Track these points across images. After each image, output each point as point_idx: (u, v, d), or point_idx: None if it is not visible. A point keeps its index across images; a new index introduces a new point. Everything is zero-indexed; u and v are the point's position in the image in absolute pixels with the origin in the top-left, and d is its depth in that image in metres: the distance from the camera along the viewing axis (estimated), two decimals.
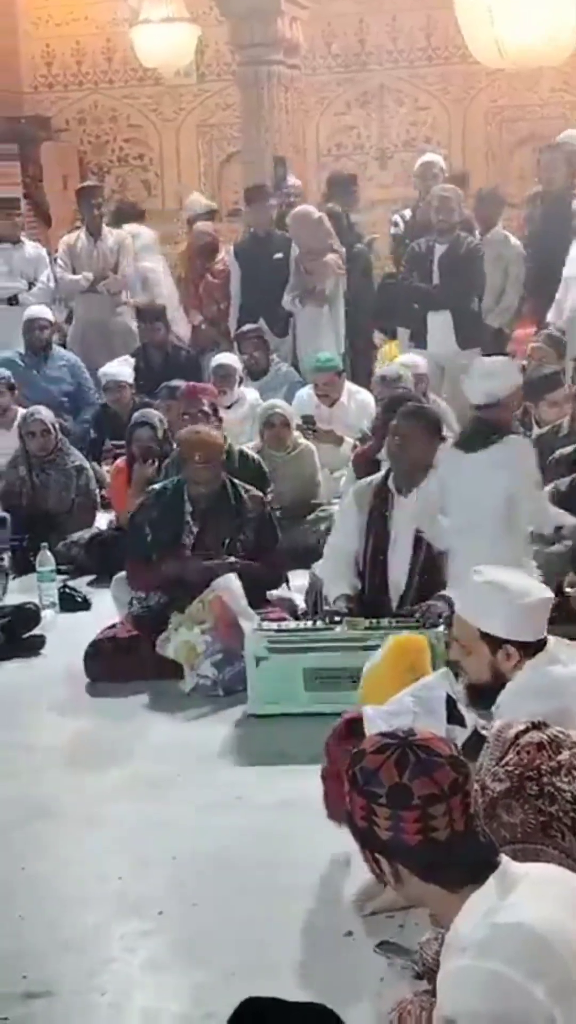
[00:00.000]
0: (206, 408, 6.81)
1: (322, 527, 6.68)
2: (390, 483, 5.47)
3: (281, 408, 7.49)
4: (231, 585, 5.45)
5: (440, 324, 8.62)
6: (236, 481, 5.86)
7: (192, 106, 14.17)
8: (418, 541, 5.37)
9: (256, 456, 6.71)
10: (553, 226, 8.91)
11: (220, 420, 6.92)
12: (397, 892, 2.32)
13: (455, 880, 2.23)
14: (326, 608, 5.45)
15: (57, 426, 7.61)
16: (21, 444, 7.56)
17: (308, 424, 7.81)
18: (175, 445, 6.44)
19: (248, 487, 5.87)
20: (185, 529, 5.73)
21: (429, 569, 5.33)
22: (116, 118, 14.42)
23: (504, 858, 2.26)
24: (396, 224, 9.54)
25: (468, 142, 13.38)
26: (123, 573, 5.97)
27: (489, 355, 8.58)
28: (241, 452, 6.57)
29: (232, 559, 5.63)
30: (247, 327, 9.19)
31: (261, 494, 5.93)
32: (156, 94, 14.14)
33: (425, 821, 2.21)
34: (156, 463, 6.98)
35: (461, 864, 2.22)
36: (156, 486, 6.02)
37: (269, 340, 9.25)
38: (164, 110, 14.26)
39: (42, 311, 9.29)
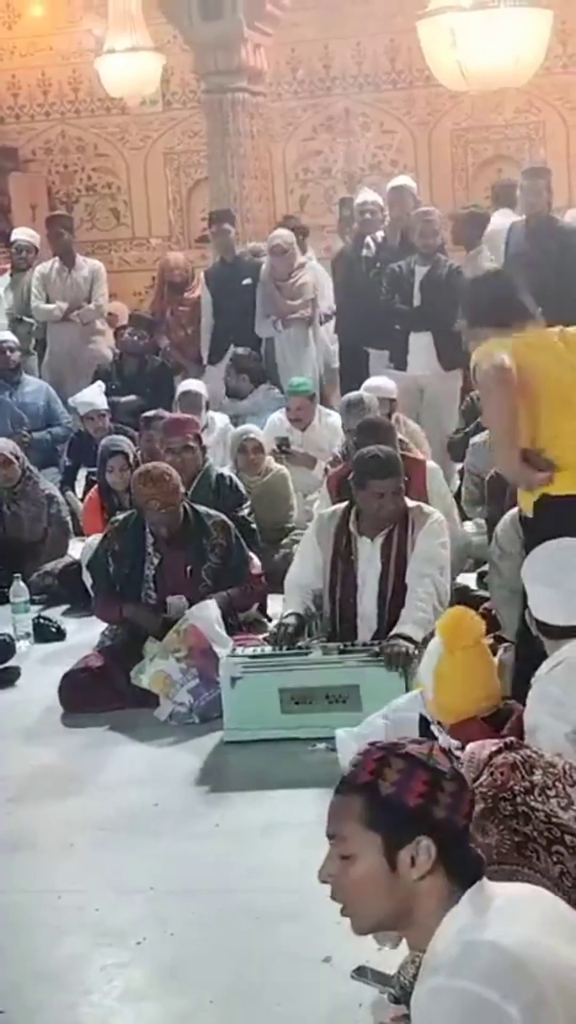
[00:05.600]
0: (191, 443, 6.71)
1: (295, 551, 6.68)
2: (352, 526, 5.39)
3: (254, 433, 7.53)
4: (205, 613, 5.45)
5: (422, 345, 8.64)
6: (199, 508, 5.86)
7: (159, 134, 14.23)
8: (384, 578, 5.33)
9: (234, 478, 6.87)
10: (537, 250, 8.93)
11: (204, 448, 6.93)
12: (383, 899, 2.25)
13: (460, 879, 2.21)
14: (276, 624, 5.44)
15: (22, 456, 7.59)
16: None
17: (283, 446, 7.83)
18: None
19: (212, 513, 5.87)
20: (147, 560, 5.72)
21: (397, 604, 5.27)
22: (83, 147, 14.47)
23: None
24: (368, 247, 9.57)
25: (434, 164, 13.45)
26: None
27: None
28: (220, 476, 6.71)
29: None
30: (243, 350, 9.27)
31: (226, 519, 5.91)
32: (123, 123, 14.20)
33: (433, 789, 2.20)
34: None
35: (459, 859, 2.22)
36: (118, 517, 6.02)
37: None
38: (131, 139, 14.32)
39: (7, 334, 9.29)
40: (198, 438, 6.87)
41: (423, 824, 2.19)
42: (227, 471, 7.01)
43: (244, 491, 6.85)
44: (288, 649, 5.18)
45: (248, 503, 6.78)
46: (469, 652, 3.84)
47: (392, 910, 2.22)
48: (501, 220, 9.63)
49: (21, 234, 10.70)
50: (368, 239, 9.50)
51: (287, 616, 5.34)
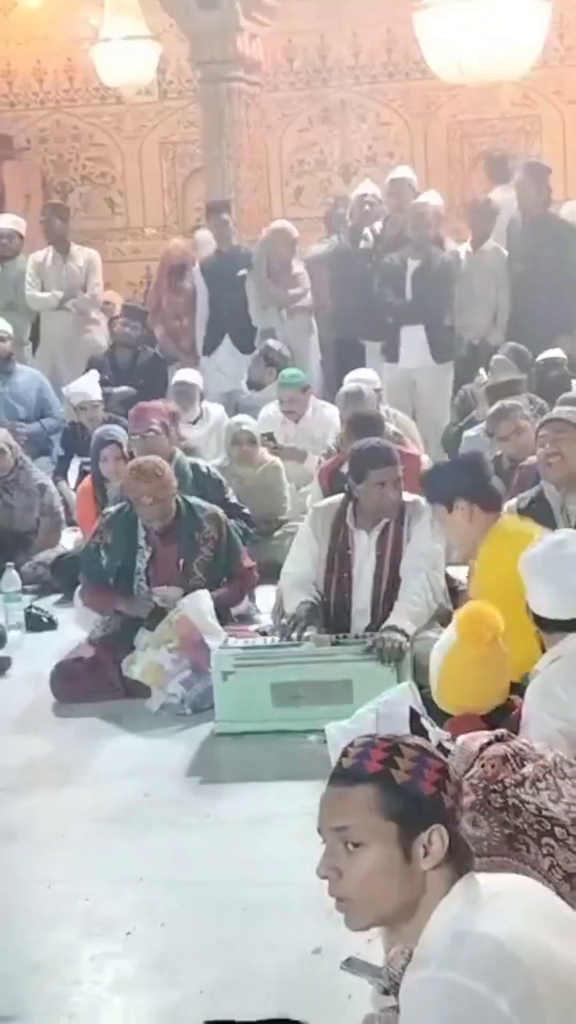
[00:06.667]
0: (156, 427, 6.66)
1: (289, 543, 6.66)
2: (348, 519, 5.40)
3: (248, 425, 7.51)
4: (197, 604, 5.44)
5: (414, 339, 8.68)
6: (192, 501, 5.84)
7: (154, 123, 14.19)
8: (379, 571, 5.33)
9: (209, 466, 6.82)
10: (535, 242, 8.94)
11: (174, 437, 6.87)
12: (388, 882, 2.24)
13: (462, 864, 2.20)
14: (286, 617, 5.35)
15: (15, 446, 7.57)
16: None
17: (269, 441, 7.81)
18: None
19: (205, 505, 5.86)
20: (139, 553, 5.71)
21: (392, 597, 5.27)
22: (78, 136, 14.43)
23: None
24: (366, 238, 9.57)
25: (430, 156, 13.42)
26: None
27: (465, 369, 8.65)
28: (195, 467, 6.63)
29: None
30: (276, 344, 9.26)
31: (219, 512, 5.90)
32: (118, 112, 14.15)
33: (443, 779, 2.19)
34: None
35: (457, 850, 2.21)
36: (110, 509, 6.01)
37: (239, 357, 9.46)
38: (126, 128, 14.27)
39: None
40: (164, 425, 6.75)
41: (436, 813, 2.18)
42: (202, 462, 6.93)
43: (220, 476, 6.77)
44: (286, 641, 5.15)
45: (230, 488, 6.76)
46: (484, 650, 3.78)
47: (399, 902, 2.18)
48: (503, 195, 9.64)
49: (5, 221, 10.53)
50: (366, 230, 9.51)
51: (301, 604, 5.28)
